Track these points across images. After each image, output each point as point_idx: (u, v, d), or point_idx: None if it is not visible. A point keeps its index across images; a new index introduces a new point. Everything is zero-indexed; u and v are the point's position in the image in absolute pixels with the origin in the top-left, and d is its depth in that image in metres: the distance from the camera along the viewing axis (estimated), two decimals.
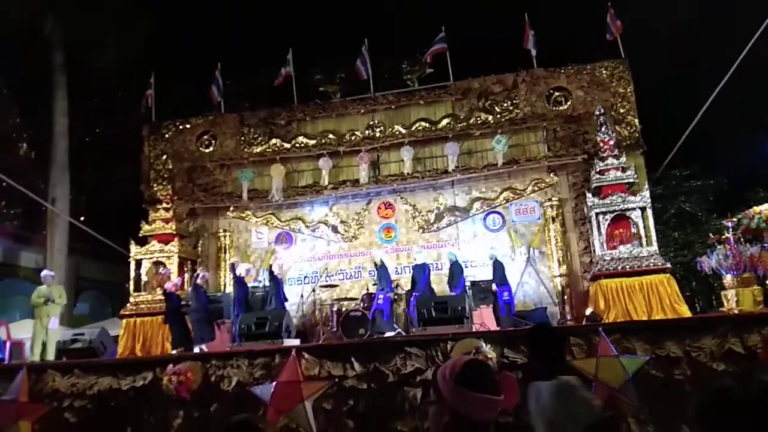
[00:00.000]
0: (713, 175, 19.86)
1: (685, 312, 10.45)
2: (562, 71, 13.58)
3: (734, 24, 14.95)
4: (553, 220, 12.88)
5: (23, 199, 15.77)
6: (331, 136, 14.18)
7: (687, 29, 17.40)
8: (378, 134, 13.97)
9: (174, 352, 10.41)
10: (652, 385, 6.95)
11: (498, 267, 11.40)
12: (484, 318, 10.65)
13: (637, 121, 13.03)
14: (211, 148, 14.70)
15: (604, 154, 11.82)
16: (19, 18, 16.41)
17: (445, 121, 13.75)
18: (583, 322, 10.73)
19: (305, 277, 13.75)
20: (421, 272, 11.55)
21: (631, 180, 11.65)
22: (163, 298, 11.43)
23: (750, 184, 18.85)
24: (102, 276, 19.51)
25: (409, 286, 11.98)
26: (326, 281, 13.31)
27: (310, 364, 7.45)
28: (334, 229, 13.94)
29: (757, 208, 8.95)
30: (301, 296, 12.83)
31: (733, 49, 12.51)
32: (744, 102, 15.66)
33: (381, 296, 10.89)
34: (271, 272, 11.01)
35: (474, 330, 8.21)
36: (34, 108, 18.16)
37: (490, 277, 11.81)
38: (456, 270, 11.54)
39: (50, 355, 10.70)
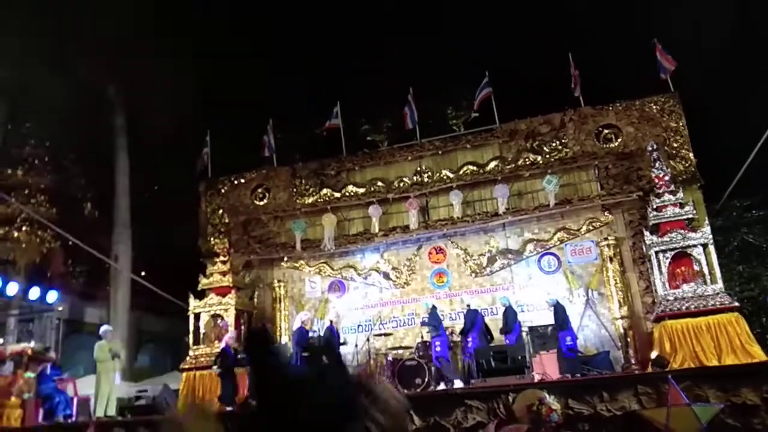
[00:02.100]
0: None
1: (758, 353, 9.89)
2: (610, 108, 13.46)
3: None
4: (611, 259, 12.54)
5: (88, 257, 16.47)
6: (379, 183, 14.38)
7: (738, 55, 17.01)
8: (426, 180, 14.07)
9: None
10: None
11: (559, 311, 11.08)
12: (545, 365, 10.31)
13: (692, 154, 12.72)
14: (265, 201, 15.11)
15: (660, 191, 11.52)
16: (83, 86, 17.47)
17: (492, 164, 13.75)
18: (649, 367, 10.30)
19: (359, 326, 13.75)
20: (473, 318, 11.35)
21: (690, 216, 11.29)
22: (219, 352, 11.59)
23: None
24: (162, 329, 20.01)
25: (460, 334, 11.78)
26: (380, 329, 13.26)
27: None
28: (386, 276, 13.96)
29: None
30: (356, 345, 12.81)
31: None
32: None
33: (438, 343, 10.74)
34: (330, 327, 11.06)
35: (536, 380, 7.99)
36: (97, 169, 19.11)
37: (548, 321, 11.55)
38: (510, 315, 11.29)
39: (112, 410, 10.94)
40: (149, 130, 18.48)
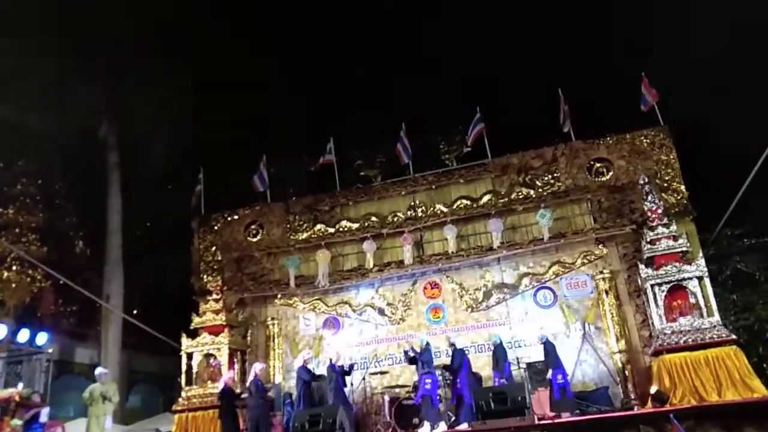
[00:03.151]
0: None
1: (758, 387, 9.81)
2: (601, 142, 13.60)
3: None
4: (607, 293, 12.54)
5: (79, 296, 16.25)
6: (374, 218, 14.37)
7: (726, 88, 17.23)
8: (420, 214, 14.09)
9: None
10: None
11: (550, 348, 10.95)
12: (542, 402, 10.20)
13: (683, 187, 12.84)
14: (259, 237, 15.03)
15: (653, 223, 11.57)
16: (76, 123, 17.50)
17: (486, 198, 13.82)
18: (649, 402, 10.20)
19: (354, 364, 13.51)
20: (461, 359, 11.15)
21: (684, 248, 11.32)
22: (217, 392, 11.37)
23: None
24: (154, 368, 19.65)
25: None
26: (375, 367, 13.07)
27: None
28: (381, 312, 13.86)
29: None
30: (351, 384, 12.57)
31: None
32: None
33: (429, 380, 10.47)
34: (331, 365, 10.81)
35: (537, 421, 7.87)
36: (89, 206, 19.00)
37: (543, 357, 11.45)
38: (500, 354, 11.13)
39: None
40: (142, 167, 18.47)
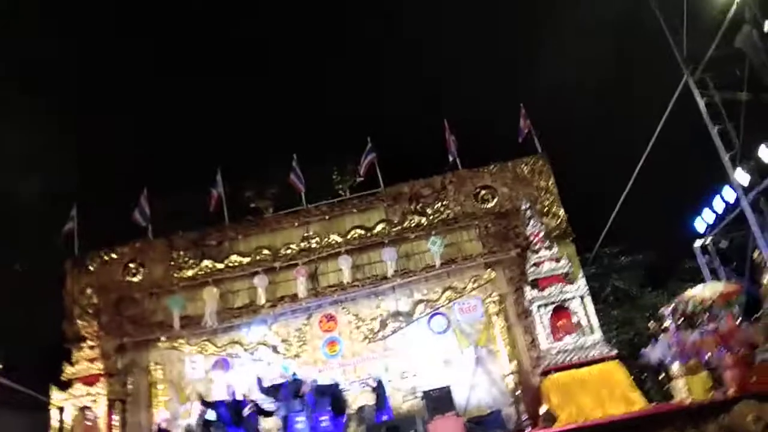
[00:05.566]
0: (641, 251, 20.49)
1: (638, 400, 10.30)
2: (486, 170, 14.11)
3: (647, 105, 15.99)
4: (497, 315, 12.88)
5: None
6: (265, 251, 13.91)
7: (600, 118, 18.45)
8: (314, 245, 13.84)
9: None
10: None
11: (380, 391, 11.13)
12: (439, 431, 10.14)
13: (562, 211, 13.53)
14: (139, 277, 14.06)
15: (536, 247, 12.06)
16: None
17: (379, 227, 13.84)
18: (539, 423, 10.42)
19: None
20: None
21: (566, 270, 11.84)
22: None
23: (676, 256, 19.52)
24: (22, 428, 17.65)
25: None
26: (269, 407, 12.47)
27: None
28: (275, 350, 13.37)
29: (690, 292, 9.14)
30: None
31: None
32: (662, 177, 16.48)
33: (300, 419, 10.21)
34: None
35: None
36: None
37: (441, 383, 11.45)
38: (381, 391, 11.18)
39: None
40: (8, 204, 16.84)
